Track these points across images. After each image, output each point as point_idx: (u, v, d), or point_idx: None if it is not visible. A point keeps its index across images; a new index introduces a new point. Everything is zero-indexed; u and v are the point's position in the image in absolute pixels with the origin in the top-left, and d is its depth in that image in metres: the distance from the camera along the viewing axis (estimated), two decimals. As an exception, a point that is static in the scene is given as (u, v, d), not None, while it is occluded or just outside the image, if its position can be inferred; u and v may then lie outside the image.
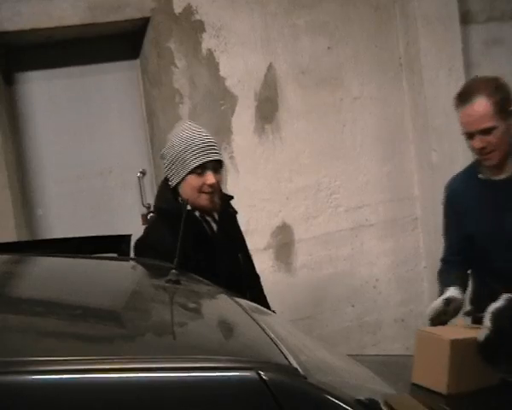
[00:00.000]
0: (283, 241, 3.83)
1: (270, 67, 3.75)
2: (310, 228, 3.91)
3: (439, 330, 2.24)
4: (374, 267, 4.07)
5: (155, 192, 3.83)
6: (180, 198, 2.34)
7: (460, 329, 2.23)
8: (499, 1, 4.35)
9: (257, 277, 2.61)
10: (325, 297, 3.91)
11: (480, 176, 2.48)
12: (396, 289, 4.11)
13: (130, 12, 3.44)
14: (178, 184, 2.35)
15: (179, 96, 3.55)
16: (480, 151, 2.35)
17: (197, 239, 2.31)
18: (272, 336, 1.33)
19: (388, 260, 4.09)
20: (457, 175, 2.63)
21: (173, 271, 1.64)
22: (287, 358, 1.22)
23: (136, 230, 3.68)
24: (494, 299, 2.36)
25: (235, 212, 2.55)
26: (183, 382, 1.11)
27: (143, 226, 3.82)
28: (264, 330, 1.37)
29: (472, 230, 2.46)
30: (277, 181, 3.86)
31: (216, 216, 2.41)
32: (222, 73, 3.62)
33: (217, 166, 2.36)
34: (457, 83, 3.96)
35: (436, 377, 2.06)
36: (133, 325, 1.39)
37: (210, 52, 3.58)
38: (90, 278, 1.74)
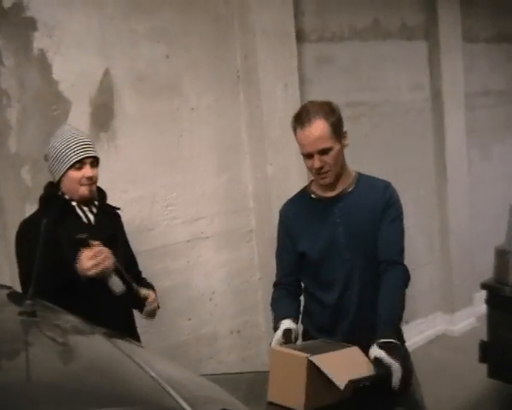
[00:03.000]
0: (118, 254, 3.66)
1: (106, 72, 3.57)
2: (145, 240, 3.78)
3: (292, 347, 2.25)
4: (210, 279, 4.05)
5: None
6: (61, 192, 2.70)
7: (310, 346, 2.27)
8: (330, 22, 4.57)
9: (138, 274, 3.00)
10: (162, 311, 3.79)
11: (312, 196, 2.61)
12: (232, 300, 4.11)
13: (-49, 2, 3.11)
14: (60, 179, 2.69)
15: (7, 98, 3.26)
16: (318, 171, 2.47)
17: (72, 224, 2.66)
18: (153, 375, 1.20)
19: (224, 272, 4.09)
20: (290, 199, 2.75)
21: (27, 301, 1.45)
22: (176, 400, 1.11)
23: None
24: (322, 313, 2.52)
25: (117, 209, 2.96)
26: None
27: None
28: (143, 368, 1.23)
29: (305, 247, 2.57)
30: (111, 191, 3.67)
31: (94, 209, 2.76)
32: (55, 75, 3.38)
33: (93, 162, 2.71)
34: (293, 97, 4.09)
35: (292, 394, 2.07)
36: None
37: (42, 52, 3.33)
38: None
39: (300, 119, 2.45)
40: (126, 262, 2.83)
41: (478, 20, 5.87)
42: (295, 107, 4.13)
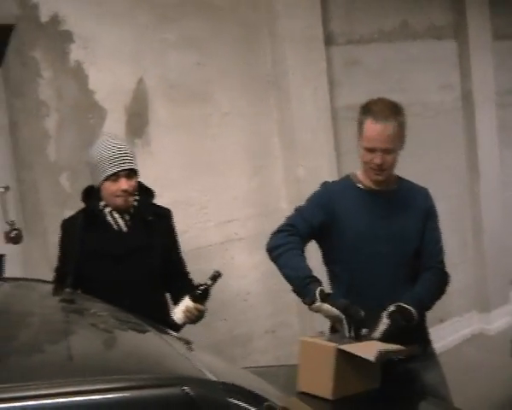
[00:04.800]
0: (154, 256, 3.76)
1: (139, 81, 3.69)
2: (180, 243, 3.88)
3: (321, 338, 2.33)
4: (244, 281, 4.13)
5: (19, 208, 3.66)
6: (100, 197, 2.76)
7: (338, 337, 2.33)
8: (358, 25, 4.62)
9: (184, 275, 3.05)
10: (197, 312, 3.89)
11: (358, 185, 2.65)
12: (266, 301, 4.18)
13: (-8, 18, 3.25)
14: (99, 187, 2.74)
15: (45, 109, 3.40)
16: (378, 167, 2.52)
17: (103, 233, 2.73)
18: (182, 351, 1.32)
19: (258, 273, 4.16)
20: (334, 181, 2.84)
21: (67, 290, 1.58)
22: (204, 372, 1.21)
23: (-3, 248, 3.48)
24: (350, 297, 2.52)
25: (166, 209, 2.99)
26: (112, 402, 1.06)
27: (7, 245, 3.63)
28: (172, 345, 1.35)
29: (346, 228, 2.60)
30: (147, 196, 3.81)
31: (127, 217, 2.77)
32: (91, 85, 3.51)
33: (130, 173, 2.73)
34: (323, 100, 4.17)
35: (321, 383, 2.14)
36: (50, 350, 1.31)
37: (78, 64, 3.47)
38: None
39: (374, 113, 2.47)
40: (172, 264, 2.94)
41: (508, 18, 5.83)
42: (325, 109, 4.23)
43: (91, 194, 2.82)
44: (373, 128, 2.47)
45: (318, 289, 2.38)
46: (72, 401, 1.05)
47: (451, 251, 5.37)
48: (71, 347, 1.33)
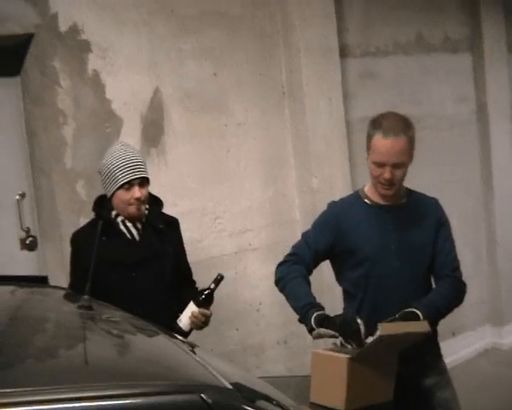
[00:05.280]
0: (168, 265, 3.79)
1: (156, 91, 3.73)
2: (194, 252, 3.89)
3: (332, 350, 2.33)
4: (257, 291, 4.13)
5: (35, 215, 3.70)
6: (111, 206, 2.78)
7: (348, 349, 2.33)
8: (374, 37, 4.64)
9: (192, 284, 3.08)
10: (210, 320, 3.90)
11: (366, 201, 2.65)
12: (278, 311, 4.17)
13: (12, 27, 3.29)
14: (111, 195, 2.76)
15: (63, 117, 3.44)
16: (387, 181, 2.50)
17: (116, 242, 2.74)
18: (198, 358, 1.34)
19: (271, 284, 4.14)
20: (342, 199, 2.79)
21: (85, 297, 1.60)
22: (220, 380, 1.23)
23: (13, 255, 3.53)
24: (363, 313, 2.52)
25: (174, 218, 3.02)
26: (129, 408, 1.08)
27: (22, 252, 3.67)
28: (188, 352, 1.37)
29: (355, 245, 2.60)
30: (162, 205, 3.83)
31: (138, 225, 2.80)
32: (108, 94, 3.55)
33: (143, 181, 2.75)
34: (337, 112, 4.18)
35: (334, 394, 2.14)
36: (69, 355, 1.33)
37: (96, 73, 3.51)
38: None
39: (383, 127, 2.45)
40: (181, 272, 2.96)
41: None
42: (339, 121, 4.25)
43: (102, 204, 2.85)
44: (383, 143, 2.45)
45: (314, 315, 2.39)
46: (90, 406, 1.06)
47: (465, 265, 5.34)
48: (89, 353, 1.36)
